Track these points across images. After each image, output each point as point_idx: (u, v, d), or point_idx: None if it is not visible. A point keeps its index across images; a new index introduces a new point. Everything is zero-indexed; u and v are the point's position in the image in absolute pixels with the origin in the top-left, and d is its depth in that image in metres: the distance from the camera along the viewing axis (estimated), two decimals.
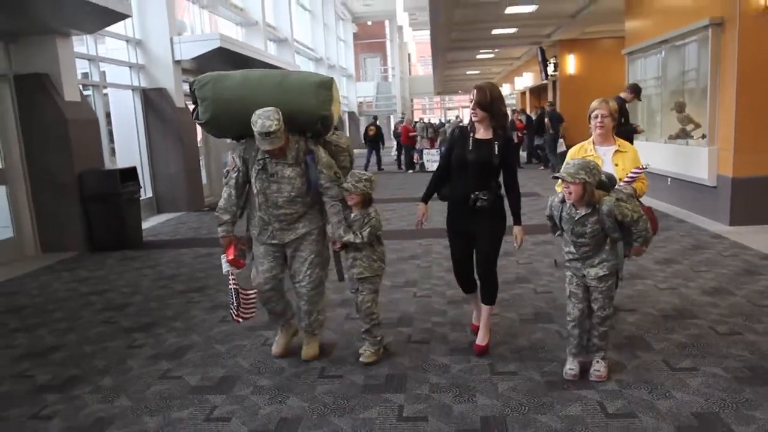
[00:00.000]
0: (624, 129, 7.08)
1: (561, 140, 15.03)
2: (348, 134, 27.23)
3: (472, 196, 3.51)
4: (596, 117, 3.77)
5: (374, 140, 17.26)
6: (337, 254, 3.68)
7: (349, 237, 3.53)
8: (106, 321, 4.77)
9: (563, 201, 3.17)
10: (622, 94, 7.72)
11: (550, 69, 16.57)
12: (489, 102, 3.51)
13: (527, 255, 6.06)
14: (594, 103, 3.82)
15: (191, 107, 3.72)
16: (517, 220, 3.63)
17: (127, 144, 10.57)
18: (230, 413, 3.14)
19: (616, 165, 3.70)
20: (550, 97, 17.44)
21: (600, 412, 2.93)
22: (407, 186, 13.31)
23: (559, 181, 3.21)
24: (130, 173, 8.15)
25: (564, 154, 16.39)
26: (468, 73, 26.96)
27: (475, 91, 3.55)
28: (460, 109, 45.08)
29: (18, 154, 7.60)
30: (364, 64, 41.14)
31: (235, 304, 3.56)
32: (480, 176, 3.53)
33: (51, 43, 7.59)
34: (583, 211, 3.09)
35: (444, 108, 46.97)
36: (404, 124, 18.00)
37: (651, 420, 2.83)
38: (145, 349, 4.08)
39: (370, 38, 39.84)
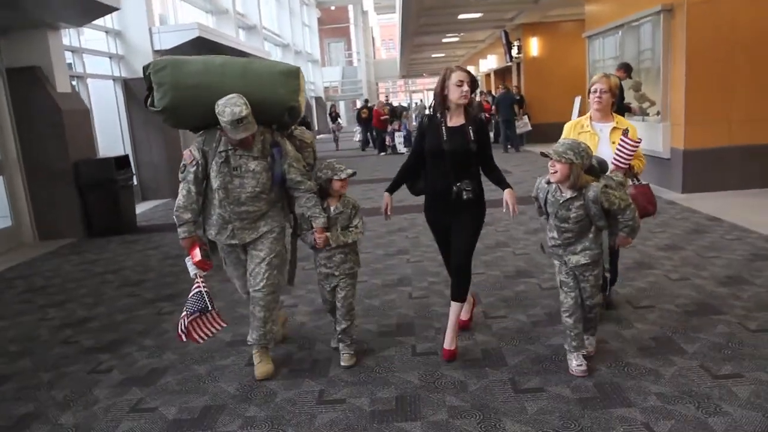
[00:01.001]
0: (618, 107, 7.64)
1: (525, 119, 15.80)
2: (315, 119, 27.85)
3: (455, 188, 3.29)
4: (595, 92, 3.61)
5: (368, 121, 18.79)
6: (295, 254, 3.54)
7: (351, 237, 3.41)
8: (129, 295, 5.21)
9: (550, 182, 3.05)
10: (616, 72, 8.30)
11: (514, 52, 17.21)
12: (475, 82, 3.36)
13: (504, 224, 6.70)
14: (594, 78, 3.66)
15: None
16: (506, 185, 3.37)
17: (109, 133, 10.81)
18: None
19: (614, 142, 3.55)
20: (514, 80, 18.12)
21: None
22: (381, 167, 13.85)
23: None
24: (123, 161, 8.49)
25: (527, 134, 17.07)
26: (433, 56, 27.52)
27: (464, 72, 3.31)
28: (425, 92, 45.55)
29: (13, 145, 7.87)
30: (328, 49, 41.28)
31: (202, 306, 3.12)
32: (460, 165, 3.31)
33: (42, 36, 7.84)
34: (568, 195, 2.97)
35: (408, 91, 47.39)
36: (376, 107, 18.55)
37: None
38: (174, 315, 4.55)
39: (333, 23, 39.98)
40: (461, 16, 15.62)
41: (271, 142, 3.28)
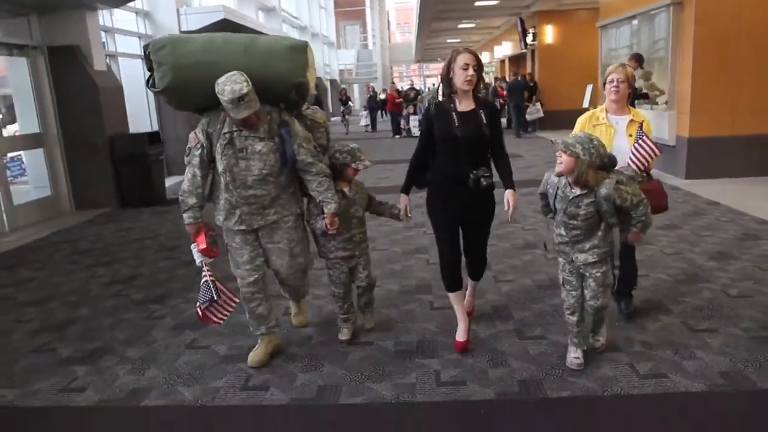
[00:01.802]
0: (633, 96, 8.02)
1: (538, 105, 16.13)
2: (330, 101, 28.17)
3: (472, 175, 3.14)
4: (611, 81, 3.45)
5: (375, 107, 20.12)
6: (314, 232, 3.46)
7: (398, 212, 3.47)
8: (167, 257, 5.71)
9: (558, 175, 2.98)
10: (627, 62, 8.62)
11: (529, 39, 17.46)
12: (481, 65, 3.22)
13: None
14: (610, 68, 3.54)
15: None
16: (510, 184, 3.26)
17: (138, 110, 11.29)
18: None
19: (630, 135, 3.43)
20: (528, 67, 18.40)
21: (632, 373, 3.02)
22: (396, 149, 14.27)
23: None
24: (155, 136, 8.99)
25: (539, 121, 17.43)
26: (449, 41, 27.69)
27: (470, 55, 3.16)
28: (439, 77, 45.69)
29: (53, 120, 8.36)
30: (344, 31, 41.51)
31: (210, 297, 3.15)
32: (474, 152, 3.18)
33: (80, 16, 8.30)
34: (578, 191, 2.90)
35: (422, 75, 47.54)
36: (390, 91, 18.95)
37: (681, 380, 2.93)
38: None
39: (349, 6, 40.15)
40: (478, 3, 15.89)
41: (279, 122, 3.12)
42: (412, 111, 18.15)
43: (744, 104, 7.87)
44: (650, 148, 3.26)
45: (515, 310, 3.93)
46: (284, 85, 3.10)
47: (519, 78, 16.30)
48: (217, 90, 2.91)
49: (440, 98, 3.36)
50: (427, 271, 4.81)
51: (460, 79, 3.13)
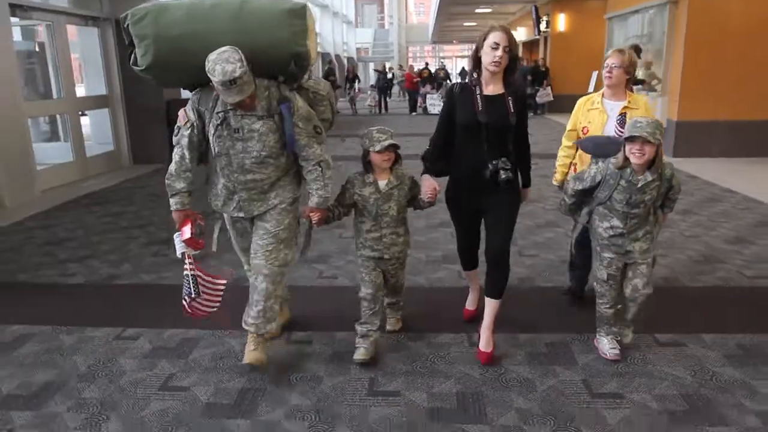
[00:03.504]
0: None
1: (548, 90, 17.13)
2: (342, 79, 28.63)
3: (491, 166, 2.86)
4: (605, 67, 3.37)
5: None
6: (311, 225, 3.03)
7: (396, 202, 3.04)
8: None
9: (622, 167, 2.79)
10: None
11: (543, 26, 18.38)
12: (515, 46, 2.88)
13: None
14: (608, 52, 3.46)
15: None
16: (527, 181, 3.12)
17: None
18: None
19: None
20: (540, 52, 19.34)
21: (654, 343, 3.18)
22: (414, 125, 15.36)
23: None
24: None
25: (548, 104, 18.40)
26: (465, 24, 28.53)
27: (502, 33, 2.82)
28: (453, 59, 46.35)
29: (117, 85, 9.50)
30: (362, 10, 42.24)
31: (189, 292, 2.83)
32: (496, 141, 2.90)
33: None
34: (649, 177, 2.78)
35: (437, 57, 48.20)
36: (407, 71, 19.99)
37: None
38: None
39: None
40: None
41: (279, 98, 2.78)
42: (429, 89, 19.18)
43: (727, 93, 8.92)
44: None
45: (540, 282, 4.18)
46: (282, 56, 2.73)
47: (524, 63, 17.31)
48: (207, 68, 2.56)
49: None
50: (452, 243, 4.29)
51: (488, 58, 2.84)
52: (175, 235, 2.89)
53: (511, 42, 2.85)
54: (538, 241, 5.14)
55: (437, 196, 3.06)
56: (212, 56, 2.56)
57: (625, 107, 3.38)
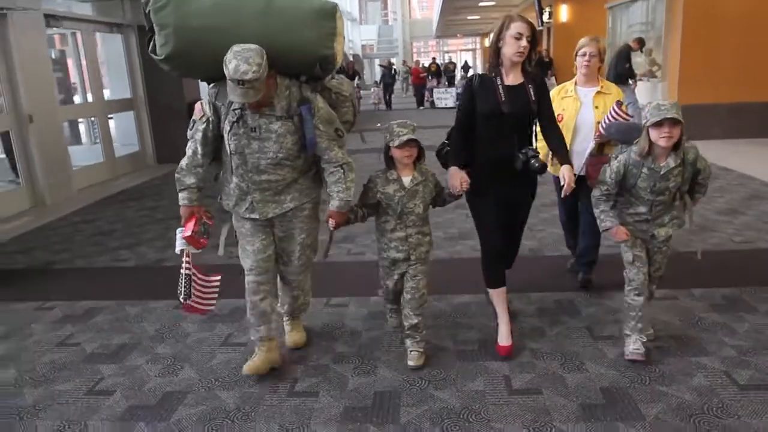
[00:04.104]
0: (626, 72, 9.48)
1: (553, 80, 17.48)
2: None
3: (521, 156, 2.85)
4: (583, 55, 3.49)
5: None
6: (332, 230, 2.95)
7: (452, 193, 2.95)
8: None
9: (643, 154, 2.74)
10: (631, 43, 10.02)
11: (545, 17, 18.72)
12: (536, 36, 2.90)
13: None
14: (582, 40, 3.55)
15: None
16: (567, 159, 2.96)
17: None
18: None
19: (596, 107, 3.48)
20: (544, 44, 19.67)
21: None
22: (422, 118, 15.77)
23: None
24: None
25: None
26: (469, 18, 28.87)
27: (524, 24, 2.82)
28: (458, 53, 46.62)
29: (141, 88, 9.99)
30: (365, 7, 42.63)
31: (186, 293, 2.80)
32: (520, 130, 2.94)
33: None
34: (672, 162, 2.72)
35: (441, 51, 48.50)
36: (413, 66, 20.41)
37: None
38: None
39: None
40: None
41: (299, 99, 2.70)
42: (435, 84, 19.60)
43: (723, 77, 9.28)
44: (622, 115, 3.22)
45: (547, 252, 4.61)
46: (307, 57, 2.67)
47: None
48: (225, 58, 2.48)
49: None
50: (468, 221, 4.75)
51: (511, 49, 2.83)
52: (177, 231, 2.82)
53: (533, 32, 2.85)
54: (545, 218, 5.53)
55: (467, 188, 2.91)
56: (236, 47, 2.49)
57: (598, 92, 3.53)
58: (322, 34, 2.66)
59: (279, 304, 3.21)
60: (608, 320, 3.40)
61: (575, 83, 3.62)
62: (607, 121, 3.26)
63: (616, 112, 3.24)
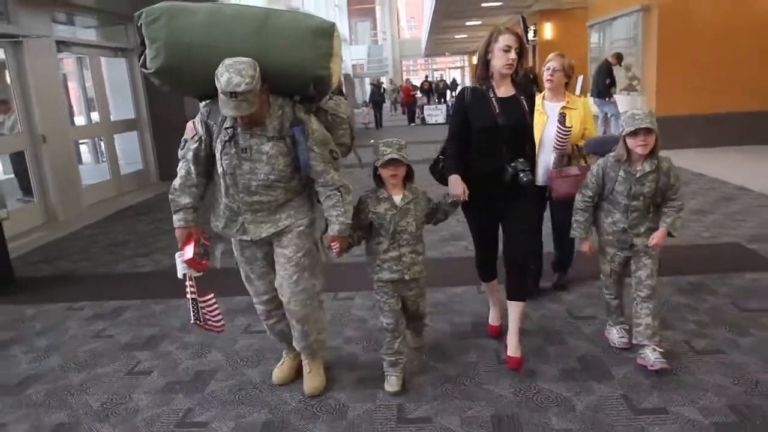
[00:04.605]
0: (608, 88, 10.13)
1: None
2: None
3: (510, 168, 2.86)
4: (548, 69, 3.60)
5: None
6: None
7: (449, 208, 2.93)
8: None
9: (621, 159, 2.87)
10: (609, 58, 10.60)
11: (531, 35, 19.39)
12: (525, 48, 2.92)
13: None
14: (549, 56, 3.70)
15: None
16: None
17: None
18: None
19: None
20: (530, 61, 20.32)
21: (690, 350, 3.13)
22: (414, 134, 16.33)
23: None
24: None
25: None
26: (456, 36, 29.62)
27: (512, 36, 2.86)
28: (447, 70, 47.49)
29: (144, 108, 10.43)
30: (355, 28, 43.44)
31: (196, 317, 2.75)
32: (514, 142, 2.93)
33: None
34: (647, 168, 2.85)
35: (430, 69, 49.34)
36: (404, 85, 21.03)
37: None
38: None
39: (360, 4, 42.10)
40: (485, 4, 17.85)
41: (292, 120, 2.63)
42: (425, 101, 20.18)
43: (699, 89, 9.83)
44: (561, 129, 3.38)
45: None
46: (302, 77, 2.60)
47: None
48: (217, 71, 2.43)
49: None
50: (459, 225, 5.09)
51: (500, 62, 2.87)
52: (176, 255, 2.74)
53: (522, 44, 2.90)
54: None
55: (465, 196, 2.88)
56: (228, 61, 2.43)
57: (564, 107, 3.59)
58: (318, 54, 2.59)
59: (293, 343, 3.02)
60: (585, 304, 3.84)
61: (543, 98, 3.73)
62: (555, 135, 3.44)
63: (559, 128, 3.42)
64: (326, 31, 2.60)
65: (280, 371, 3.07)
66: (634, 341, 3.02)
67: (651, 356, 2.90)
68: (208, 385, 3.13)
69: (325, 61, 2.59)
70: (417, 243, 2.87)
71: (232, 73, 2.39)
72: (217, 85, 2.42)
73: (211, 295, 2.82)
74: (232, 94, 2.39)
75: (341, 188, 2.71)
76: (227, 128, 2.59)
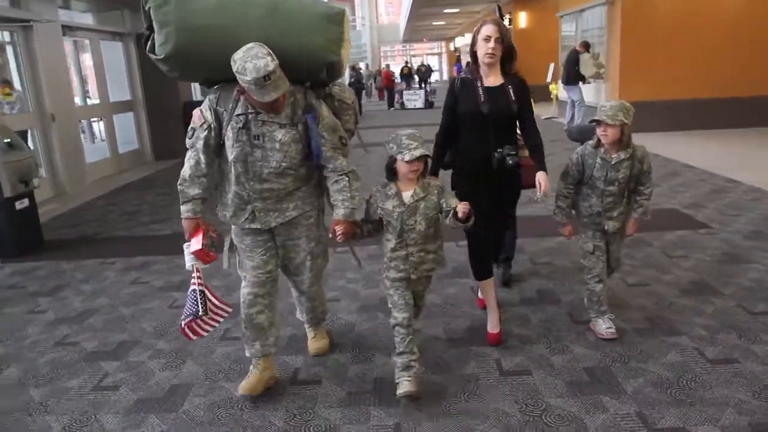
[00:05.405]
0: (576, 75, 10.90)
1: None
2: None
3: (497, 154, 2.97)
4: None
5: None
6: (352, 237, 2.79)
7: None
8: None
9: (597, 146, 3.04)
10: (578, 47, 11.38)
11: (506, 23, 20.15)
12: (507, 36, 3.00)
13: None
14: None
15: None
16: (542, 165, 3.03)
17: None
18: None
19: None
20: None
21: (701, 358, 2.98)
22: (394, 118, 17.01)
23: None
24: None
25: None
26: (434, 23, 30.31)
27: (492, 26, 2.97)
28: (425, 56, 48.02)
29: (139, 90, 10.96)
30: None
31: (195, 311, 2.62)
32: (500, 131, 3.01)
33: None
34: (622, 155, 3.00)
35: (408, 55, 49.87)
36: (385, 70, 21.71)
37: (753, 364, 2.90)
38: None
39: None
40: None
41: (304, 106, 2.64)
42: (404, 87, 20.88)
43: (660, 78, 10.70)
44: None
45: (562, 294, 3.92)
46: (313, 63, 2.60)
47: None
48: (235, 69, 2.40)
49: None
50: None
51: (481, 51, 3.01)
52: (184, 246, 2.68)
53: (503, 32, 2.97)
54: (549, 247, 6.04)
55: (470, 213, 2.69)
56: (238, 55, 2.39)
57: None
58: (329, 40, 2.59)
59: (298, 313, 3.30)
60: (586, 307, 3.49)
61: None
62: None
63: None
64: (337, 17, 2.61)
65: (247, 383, 2.80)
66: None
67: (604, 326, 3.20)
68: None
69: (337, 47, 2.62)
70: (427, 242, 2.76)
71: (255, 60, 2.37)
72: (246, 79, 2.39)
73: (230, 310, 2.82)
74: (266, 78, 2.37)
75: (349, 173, 2.71)
76: (239, 115, 2.57)
